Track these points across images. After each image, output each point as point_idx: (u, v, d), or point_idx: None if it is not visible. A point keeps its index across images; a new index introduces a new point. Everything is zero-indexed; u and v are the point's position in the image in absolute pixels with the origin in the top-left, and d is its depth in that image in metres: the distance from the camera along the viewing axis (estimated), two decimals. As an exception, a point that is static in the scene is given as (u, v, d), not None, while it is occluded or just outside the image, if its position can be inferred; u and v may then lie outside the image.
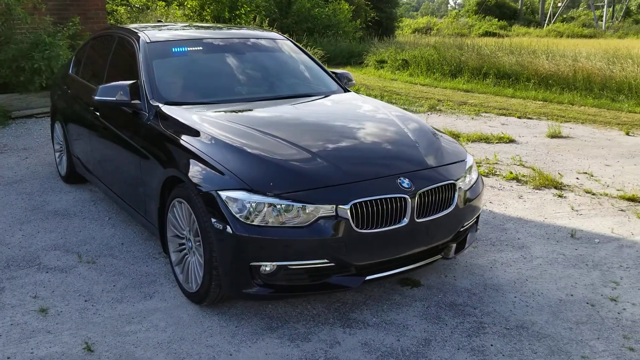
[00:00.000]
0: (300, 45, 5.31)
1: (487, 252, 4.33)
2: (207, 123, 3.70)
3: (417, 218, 3.31)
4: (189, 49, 4.57)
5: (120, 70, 4.70)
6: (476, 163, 6.75)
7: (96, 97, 4.12)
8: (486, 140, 8.10)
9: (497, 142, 7.98)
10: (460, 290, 3.71)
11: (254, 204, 3.05)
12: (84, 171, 5.32)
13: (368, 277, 3.27)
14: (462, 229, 3.69)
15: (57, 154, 6.13)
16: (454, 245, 3.68)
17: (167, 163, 3.63)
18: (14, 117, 8.57)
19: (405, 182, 3.30)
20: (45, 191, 5.66)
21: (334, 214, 3.09)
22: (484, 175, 6.32)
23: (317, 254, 3.11)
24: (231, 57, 4.68)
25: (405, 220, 3.26)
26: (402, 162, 3.52)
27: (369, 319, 3.35)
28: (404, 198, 3.24)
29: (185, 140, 3.57)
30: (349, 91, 4.92)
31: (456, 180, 3.55)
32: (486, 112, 10.45)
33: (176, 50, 4.52)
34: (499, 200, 5.52)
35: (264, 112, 4.10)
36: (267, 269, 3.13)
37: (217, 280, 3.23)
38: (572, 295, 3.67)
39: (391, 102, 11.36)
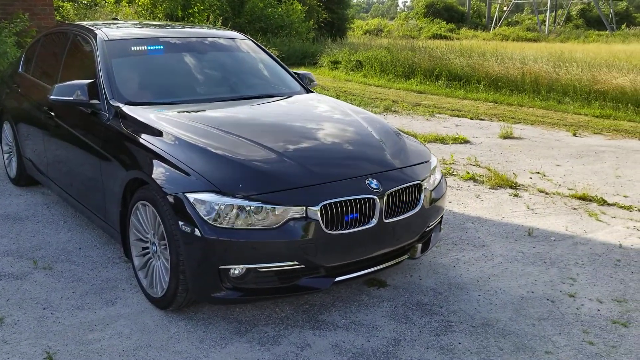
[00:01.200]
0: (260, 45, 5.27)
1: (449, 251, 4.40)
2: (171, 123, 3.62)
3: (386, 219, 3.33)
4: (149, 47, 4.46)
5: (76, 69, 4.55)
6: (433, 163, 6.87)
7: (52, 97, 3.97)
8: (442, 140, 8.24)
9: (452, 143, 8.13)
10: (425, 290, 3.76)
11: (222, 206, 3.01)
12: (36, 173, 5.13)
13: (338, 279, 3.27)
14: (427, 229, 3.74)
15: (5, 155, 5.88)
16: (420, 245, 3.73)
17: (130, 165, 3.53)
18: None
19: (374, 183, 3.32)
20: (-6, 194, 5.42)
21: (304, 215, 3.08)
22: (441, 176, 6.42)
23: (287, 256, 3.09)
24: (192, 57, 4.59)
25: (374, 221, 3.27)
26: (370, 163, 3.54)
27: (338, 321, 3.35)
28: (373, 199, 3.26)
29: (149, 141, 3.49)
30: (311, 92, 4.92)
31: (422, 181, 3.59)
32: (440, 113, 10.63)
33: (136, 49, 4.41)
34: (458, 200, 5.62)
35: (227, 112, 4.05)
36: (236, 272, 3.09)
37: (185, 285, 3.16)
38: (532, 292, 3.77)
39: (347, 102, 11.43)
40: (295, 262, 3.11)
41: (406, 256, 3.62)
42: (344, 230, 3.17)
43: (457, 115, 10.47)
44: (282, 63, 5.14)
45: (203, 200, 3.02)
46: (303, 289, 3.20)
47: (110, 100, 3.94)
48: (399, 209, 3.42)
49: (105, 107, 3.94)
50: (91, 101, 3.96)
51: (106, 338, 3.12)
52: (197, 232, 3.00)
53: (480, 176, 6.40)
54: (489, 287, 3.82)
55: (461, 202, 5.57)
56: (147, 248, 3.49)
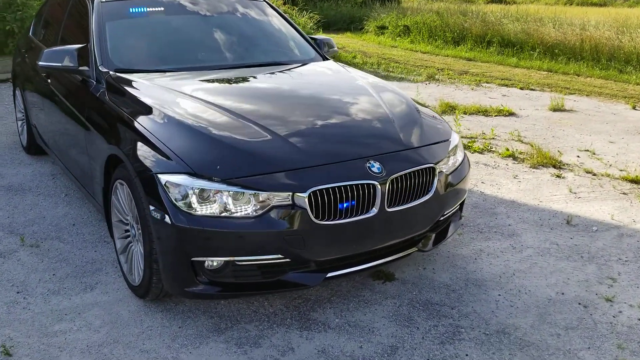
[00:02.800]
0: (279, 9, 4.81)
1: (472, 240, 3.92)
2: (154, 94, 3.27)
3: (389, 207, 2.89)
4: (148, 9, 4.09)
5: (74, 33, 4.25)
6: (471, 138, 6.32)
7: (40, 63, 3.68)
8: (484, 112, 7.62)
9: (495, 115, 7.51)
10: (438, 286, 3.32)
11: (197, 190, 2.65)
12: (41, 142, 4.91)
13: (330, 274, 2.88)
14: (442, 218, 3.28)
15: (19, 123, 5.71)
16: (433, 235, 3.28)
17: (110, 139, 3.21)
18: (-11, 81, 8.14)
19: (376, 166, 2.88)
20: (4, 163, 5.26)
21: (290, 202, 2.69)
22: (478, 152, 5.89)
23: (270, 249, 2.72)
24: (196, 20, 4.21)
25: (374, 210, 2.85)
26: (374, 142, 3.10)
27: (331, 320, 2.97)
28: (373, 185, 2.83)
29: (127, 112, 3.16)
30: (327, 59, 4.46)
31: (436, 164, 3.12)
32: (487, 83, 9.93)
33: (134, 10, 4.05)
34: (492, 180, 5.09)
35: (223, 82, 3.67)
36: (214, 264, 2.74)
37: (158, 275, 2.84)
38: (563, 293, 3.27)
39: (388, 70, 10.86)
40: (280, 256, 2.74)
41: (415, 249, 3.18)
42: (338, 220, 2.76)
43: (506, 85, 9.74)
44: (298, 28, 4.68)
45: (176, 183, 2.67)
46: (289, 285, 2.83)
47: (99, 66, 3.62)
48: (407, 195, 2.98)
49: (94, 74, 3.63)
50: (80, 68, 3.65)
51: (73, 330, 2.85)
52: (167, 219, 2.66)
53: (521, 153, 5.81)
54: (512, 285, 3.35)
55: (495, 182, 5.04)
56: (129, 231, 3.19)
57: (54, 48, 3.73)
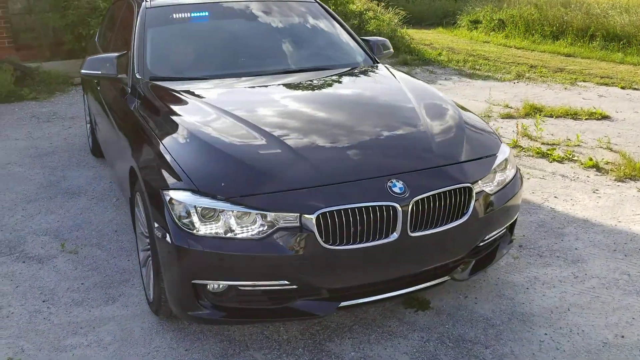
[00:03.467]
0: (330, 9, 4.57)
1: (529, 265, 3.51)
2: (178, 103, 3.17)
3: (413, 232, 2.60)
4: (192, 14, 4.01)
5: (121, 39, 4.26)
6: (552, 145, 5.77)
7: (82, 70, 3.70)
8: (573, 115, 6.96)
9: (586, 119, 6.83)
10: (476, 319, 2.97)
11: (199, 209, 2.49)
12: (98, 145, 5.02)
13: (343, 304, 2.63)
14: (482, 244, 2.93)
15: (88, 126, 5.89)
16: (472, 262, 2.94)
17: (132, 149, 3.15)
18: (75, 84, 8.54)
19: (398, 186, 2.59)
20: (70, 166, 5.43)
21: (298, 224, 2.47)
22: (557, 161, 5.34)
23: (275, 274, 2.52)
24: (240, 25, 4.09)
25: (395, 235, 2.56)
26: (401, 158, 2.81)
27: (347, 353, 2.72)
28: (393, 207, 2.54)
29: (147, 123, 3.08)
30: (377, 62, 4.17)
31: (473, 183, 2.77)
32: (584, 81, 9.11)
33: (177, 16, 3.99)
34: (567, 195, 4.58)
35: (252, 91, 3.51)
36: (217, 287, 2.58)
37: (165, 295, 2.73)
38: (622, 336, 2.81)
39: (474, 68, 10.27)
40: (286, 282, 2.53)
41: (447, 277, 2.85)
42: (351, 245, 2.51)
43: (605, 84, 8.89)
44: (349, 29, 4.42)
45: (179, 200, 2.53)
46: (298, 314, 2.61)
47: (136, 74, 3.58)
48: (437, 219, 2.66)
49: (130, 82, 3.59)
50: (119, 75, 3.63)
51: (83, 346, 2.81)
52: (167, 238, 2.53)
53: (607, 163, 5.21)
54: (563, 322, 2.93)
55: (570, 197, 4.53)
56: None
57: (96, 56, 3.74)
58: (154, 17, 3.92)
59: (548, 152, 5.55)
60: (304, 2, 4.47)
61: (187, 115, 3.02)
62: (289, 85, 3.64)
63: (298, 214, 2.47)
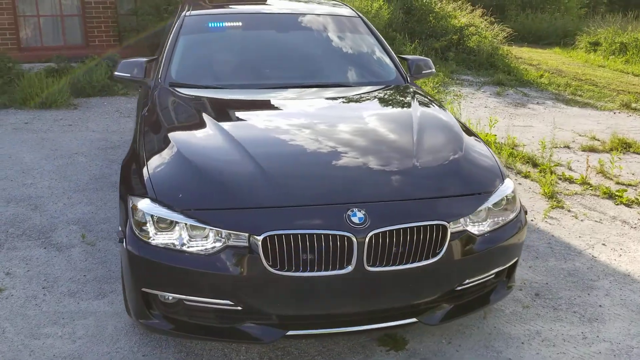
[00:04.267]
0: (369, 23, 4.44)
1: (537, 317, 3.18)
2: (173, 111, 3.24)
3: (371, 266, 2.44)
4: (226, 24, 4.09)
5: (162, 45, 4.42)
6: (626, 186, 5.22)
7: (115, 73, 3.89)
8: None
9: (678, 158, 6.11)
10: (448, 369, 2.74)
11: (155, 218, 2.51)
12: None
13: (290, 332, 2.53)
14: (462, 288, 2.70)
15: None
16: (448, 307, 2.71)
17: (127, 153, 3.25)
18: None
19: (358, 216, 2.45)
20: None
21: (247, 245, 2.41)
22: (624, 204, 4.83)
23: (220, 293, 2.48)
24: (271, 36, 4.10)
25: (350, 268, 2.42)
26: (371, 187, 2.66)
27: (294, 384, 2.62)
28: (348, 237, 2.41)
29: (142, 126, 3.16)
30: (407, 82, 3.98)
31: (451, 222, 2.55)
32: (699, 117, 8.17)
33: (212, 25, 4.08)
34: (618, 243, 4.11)
35: (253, 103, 3.51)
36: (168, 297, 2.59)
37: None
38: (608, 416, 2.46)
39: (575, 93, 9.56)
40: (229, 302, 2.48)
41: (414, 319, 2.65)
42: (300, 272, 2.41)
43: None
44: (387, 47, 4.27)
45: (139, 207, 2.57)
46: (243, 337, 2.55)
47: (158, 79, 3.71)
48: (401, 256, 2.49)
49: (152, 86, 3.72)
50: (145, 79, 3.77)
51: (56, 336, 2.93)
52: (124, 243, 2.58)
53: (682, 212, 4.62)
54: (544, 388, 2.62)
55: (621, 246, 4.06)
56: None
57: (129, 59, 3.90)
58: (190, 25, 4.03)
59: (617, 193, 5.02)
60: (346, 17, 4.39)
61: (175, 123, 3.08)
62: (294, 102, 3.58)
63: (247, 234, 2.41)
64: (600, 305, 3.32)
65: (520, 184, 5.29)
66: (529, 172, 5.55)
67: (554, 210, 4.68)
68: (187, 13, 4.13)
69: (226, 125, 3.04)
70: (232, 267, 2.42)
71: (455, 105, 7.84)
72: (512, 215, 2.83)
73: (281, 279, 2.40)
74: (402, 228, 2.47)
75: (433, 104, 3.63)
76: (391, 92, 3.80)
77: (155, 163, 2.75)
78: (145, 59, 3.82)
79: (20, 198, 4.65)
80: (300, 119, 3.25)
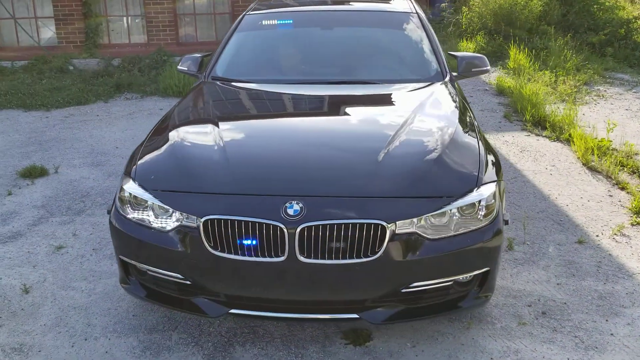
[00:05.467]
0: (424, 19, 4.33)
1: (527, 336, 2.96)
2: (193, 102, 3.58)
3: (305, 257, 2.54)
4: (278, 22, 4.32)
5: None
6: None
7: (178, 67, 4.35)
8: None
9: None
10: (395, 372, 2.71)
11: (132, 196, 2.86)
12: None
13: (233, 310, 2.73)
14: (407, 290, 2.65)
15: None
16: (399, 308, 2.69)
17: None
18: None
19: (294, 209, 2.56)
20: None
21: (195, 226, 2.65)
22: None
23: (172, 267, 2.77)
24: (319, 33, 4.26)
25: (282, 257, 2.55)
26: (317, 182, 2.74)
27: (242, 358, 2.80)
28: (280, 228, 2.53)
29: (164, 117, 3.54)
30: (445, 80, 3.85)
31: (391, 222, 2.54)
32: None
33: (266, 22, 4.35)
34: (687, 270, 3.58)
35: (266, 99, 3.72)
36: (142, 266, 2.93)
37: None
38: None
39: None
40: (179, 276, 2.74)
41: (355, 315, 2.67)
42: (237, 256, 2.59)
43: None
44: (435, 42, 4.13)
45: (125, 185, 2.94)
46: (194, 309, 2.80)
47: (206, 72, 4.07)
48: (336, 251, 2.54)
49: (199, 80, 4.09)
50: (197, 73, 4.17)
51: (79, 289, 3.44)
52: (110, 214, 2.97)
53: None
54: (481, 407, 2.48)
55: (687, 274, 3.53)
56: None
57: (190, 54, 4.33)
58: (247, 23, 4.34)
59: None
60: (401, 12, 4.35)
61: (185, 113, 3.40)
62: (306, 98, 3.72)
63: (196, 217, 2.64)
64: (611, 334, 2.97)
65: (611, 195, 4.77)
66: (629, 183, 4.96)
67: (631, 228, 4.17)
68: (249, 11, 4.44)
69: (224, 116, 3.31)
70: (181, 245, 2.68)
71: (588, 107, 7.21)
72: (481, 224, 2.69)
73: (221, 260, 2.60)
74: (336, 224, 2.52)
75: (451, 104, 3.49)
76: (415, 90, 3.72)
77: (147, 148, 3.11)
78: (201, 54, 4.21)
79: (120, 174, 5.37)
80: (300, 114, 3.39)
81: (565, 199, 4.67)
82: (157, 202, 2.76)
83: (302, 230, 2.52)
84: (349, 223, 2.53)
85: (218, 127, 3.15)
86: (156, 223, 2.76)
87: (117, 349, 2.91)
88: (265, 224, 2.54)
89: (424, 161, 2.84)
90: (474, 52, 10.34)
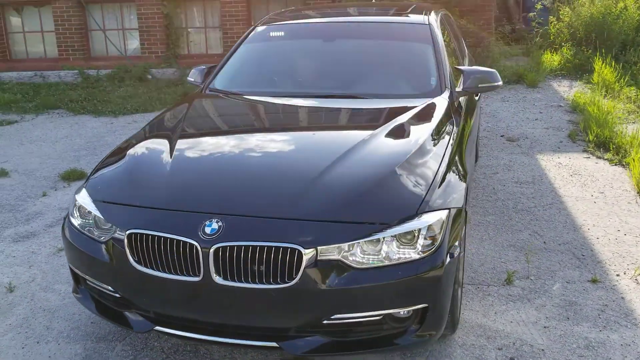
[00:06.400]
0: (435, 32, 4.03)
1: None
2: (173, 114, 3.61)
3: (222, 279, 2.44)
4: (283, 33, 4.26)
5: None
6: None
7: (187, 78, 4.41)
8: None
9: None
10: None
11: (78, 204, 2.90)
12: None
13: (158, 328, 2.67)
14: (329, 322, 2.46)
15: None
16: (324, 341, 2.51)
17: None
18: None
19: (212, 227, 2.47)
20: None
21: (122, 238, 2.64)
22: None
23: (104, 279, 2.76)
24: (319, 46, 4.16)
25: (197, 277, 2.46)
26: (244, 200, 2.60)
27: (165, 378, 2.74)
28: (195, 246, 2.45)
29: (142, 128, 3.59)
30: (442, 97, 3.56)
31: (309, 247, 2.38)
32: None
33: (273, 34, 4.30)
34: None
35: (245, 111, 3.69)
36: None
37: None
38: None
39: None
40: (110, 288, 2.74)
41: (274, 344, 2.52)
42: (157, 272, 2.54)
43: None
44: (442, 56, 3.80)
45: (76, 195, 2.99)
46: (123, 322, 2.77)
47: (205, 83, 4.09)
48: (253, 274, 2.42)
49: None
50: (202, 84, 4.19)
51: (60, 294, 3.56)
52: (63, 223, 3.02)
53: None
54: None
55: None
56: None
57: (200, 66, 4.35)
58: (255, 36, 4.31)
59: None
60: (411, 24, 4.12)
61: (160, 124, 3.44)
62: (284, 111, 3.67)
63: (124, 230, 2.62)
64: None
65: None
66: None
67: (663, 269, 3.64)
68: (259, 25, 4.40)
69: (188, 130, 3.31)
70: (110, 257, 2.66)
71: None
72: (418, 255, 2.44)
73: (144, 276, 2.56)
74: (251, 245, 2.40)
75: (431, 122, 3.21)
76: (400, 106, 3.46)
77: (107, 160, 3.16)
78: (206, 66, 4.23)
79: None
80: (262, 130, 3.35)
81: (598, 231, 4.18)
82: (97, 213, 2.77)
83: (217, 250, 2.41)
84: (264, 246, 2.39)
85: (177, 140, 3.12)
86: (95, 233, 2.77)
87: (60, 355, 2.96)
88: (182, 241, 2.47)
89: (364, 183, 2.63)
90: (558, 64, 9.67)
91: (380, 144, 2.95)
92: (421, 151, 2.88)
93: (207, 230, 2.45)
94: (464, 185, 2.84)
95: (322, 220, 2.46)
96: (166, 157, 2.95)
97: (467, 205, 3.34)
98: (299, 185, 2.63)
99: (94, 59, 10.79)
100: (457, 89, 3.71)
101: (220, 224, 2.46)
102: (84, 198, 2.88)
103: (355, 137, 3.05)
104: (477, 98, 4.40)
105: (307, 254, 2.37)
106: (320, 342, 2.51)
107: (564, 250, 3.93)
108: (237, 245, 2.40)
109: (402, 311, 2.51)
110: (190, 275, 2.47)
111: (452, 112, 3.42)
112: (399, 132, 3.09)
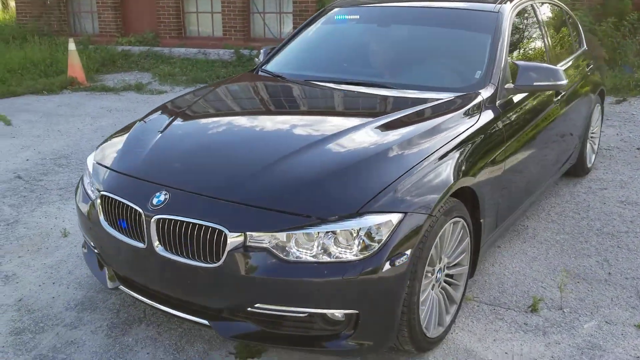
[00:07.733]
0: (502, 20, 3.56)
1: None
2: (208, 91, 3.71)
3: (163, 249, 2.50)
4: (348, 17, 4.11)
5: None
6: None
7: (255, 58, 4.49)
8: None
9: None
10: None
11: (89, 168, 3.11)
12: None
13: (121, 286, 2.80)
14: (253, 309, 2.37)
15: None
16: (254, 328, 2.44)
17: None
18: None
19: (160, 198, 2.52)
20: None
21: (98, 197, 2.82)
22: None
23: (89, 235, 2.96)
24: (379, 31, 3.92)
25: (141, 244, 2.55)
26: (193, 177, 2.62)
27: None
28: (139, 213, 2.53)
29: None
30: (477, 92, 3.17)
31: (235, 231, 2.32)
32: None
33: (338, 17, 4.17)
34: None
35: (259, 99, 3.67)
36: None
37: None
38: None
39: None
40: (92, 244, 2.94)
41: (205, 322, 2.50)
42: (116, 233, 2.67)
43: None
44: (498, 47, 3.35)
45: (87, 159, 3.22)
46: (102, 279, 2.92)
47: (259, 65, 4.13)
48: (188, 249, 2.43)
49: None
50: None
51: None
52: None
53: None
54: None
55: None
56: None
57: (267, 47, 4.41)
58: (326, 17, 4.21)
59: None
60: (479, 11, 3.69)
61: (187, 101, 3.55)
62: (302, 94, 3.56)
63: (104, 192, 2.79)
64: None
65: None
66: None
67: None
68: (332, 6, 4.30)
69: (199, 108, 3.40)
70: (93, 215, 2.84)
71: None
72: (352, 257, 2.24)
73: (109, 235, 2.70)
74: (185, 221, 2.40)
75: (439, 118, 2.87)
76: (419, 98, 3.14)
77: (122, 130, 3.34)
78: (270, 47, 4.27)
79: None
80: (260, 112, 3.38)
81: (688, 268, 3.44)
82: (90, 171, 2.99)
83: (158, 221, 2.46)
84: (196, 223, 2.37)
85: (177, 118, 3.21)
86: (89, 191, 2.96)
87: (62, 297, 3.20)
88: (132, 208, 2.56)
89: (317, 174, 2.45)
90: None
91: (361, 135, 2.72)
92: (401, 147, 2.61)
93: (154, 201, 2.50)
94: (443, 190, 2.51)
95: (256, 206, 2.36)
96: (160, 130, 3.05)
97: (485, 215, 2.99)
98: (250, 169, 2.55)
99: (252, 39, 11.43)
100: (507, 86, 3.28)
101: (166, 196, 2.50)
102: (90, 158, 3.12)
103: (342, 125, 2.85)
104: (558, 98, 3.85)
105: (233, 237, 2.30)
106: (250, 330, 2.43)
107: (627, 285, 3.31)
108: (174, 219, 2.42)
109: (335, 313, 2.33)
110: (138, 241, 2.55)
111: (481, 110, 3.04)
112: (392, 125, 2.82)
